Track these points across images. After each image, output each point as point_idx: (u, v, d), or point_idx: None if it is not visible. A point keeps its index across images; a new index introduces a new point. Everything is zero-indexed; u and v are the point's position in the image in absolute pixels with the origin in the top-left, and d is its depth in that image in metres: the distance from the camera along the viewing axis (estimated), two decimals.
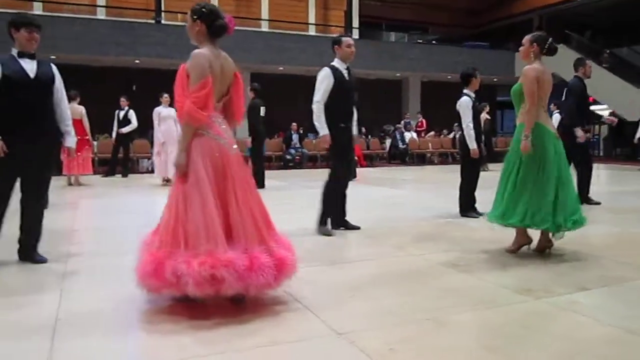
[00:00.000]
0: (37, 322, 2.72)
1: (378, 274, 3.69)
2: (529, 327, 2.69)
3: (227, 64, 3.04)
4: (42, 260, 3.90)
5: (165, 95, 9.52)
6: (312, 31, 18.45)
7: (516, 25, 21.22)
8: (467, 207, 6.04)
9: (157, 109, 9.69)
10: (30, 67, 3.78)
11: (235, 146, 3.00)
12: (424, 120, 18.54)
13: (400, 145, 16.85)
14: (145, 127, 12.23)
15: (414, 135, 17.60)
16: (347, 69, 5.01)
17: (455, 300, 3.09)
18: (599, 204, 6.87)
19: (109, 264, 3.93)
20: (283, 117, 15.23)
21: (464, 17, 24.36)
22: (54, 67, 3.97)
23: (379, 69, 18.29)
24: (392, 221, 5.81)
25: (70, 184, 9.55)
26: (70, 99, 8.50)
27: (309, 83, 4.96)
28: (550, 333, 2.60)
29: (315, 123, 4.89)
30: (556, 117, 12.17)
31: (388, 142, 17.38)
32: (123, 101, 11.34)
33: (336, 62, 4.99)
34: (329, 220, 5.04)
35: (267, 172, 9.63)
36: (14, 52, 3.79)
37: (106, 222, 6.07)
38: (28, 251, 3.93)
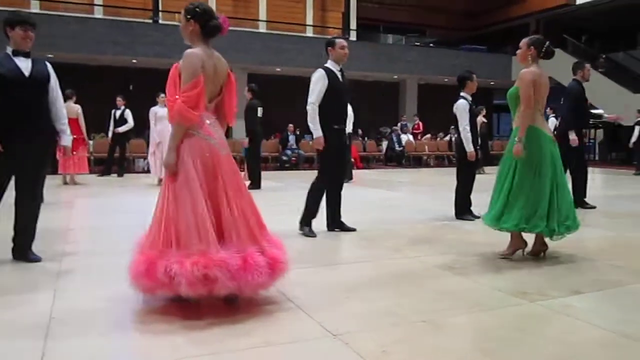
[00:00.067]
0: (31, 321, 2.71)
1: (373, 276, 3.69)
2: (523, 330, 2.70)
3: (220, 64, 3.03)
4: (36, 259, 3.88)
5: (162, 95, 9.47)
6: (309, 32, 18.47)
7: (513, 29, 21.29)
8: (463, 209, 6.05)
9: (154, 109, 9.67)
10: (25, 65, 3.77)
11: (225, 148, 2.99)
12: (420, 123, 18.59)
13: (397, 148, 16.87)
14: (142, 127, 12.21)
15: (411, 137, 17.62)
16: (341, 70, 5.01)
17: (450, 303, 3.09)
18: (594, 207, 6.89)
19: (104, 264, 3.91)
20: (280, 118, 15.23)
21: (462, 20, 24.45)
22: (49, 66, 3.96)
23: (376, 71, 18.33)
24: (388, 223, 5.81)
25: (65, 183, 9.52)
26: (67, 98, 8.47)
27: (306, 84, 4.96)
28: (545, 336, 2.61)
29: (310, 125, 4.88)
30: (552, 121, 12.27)
31: (384, 144, 17.40)
32: (119, 100, 11.31)
33: (329, 64, 4.99)
34: (312, 222, 5.02)
35: (263, 173, 9.63)
36: (9, 50, 3.78)
37: (101, 221, 6.05)
38: (22, 250, 3.90)
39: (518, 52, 4.19)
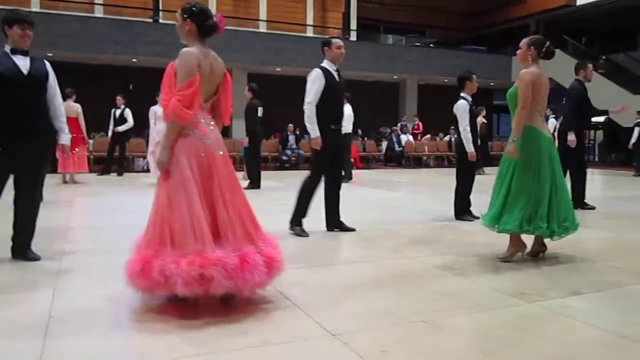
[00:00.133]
0: (30, 320, 2.70)
1: (373, 276, 3.68)
2: (523, 330, 2.69)
3: (216, 64, 3.03)
4: (35, 258, 3.88)
5: None
6: (309, 33, 18.47)
7: (514, 30, 21.30)
8: (463, 210, 6.05)
9: (153, 108, 9.65)
10: (23, 63, 3.77)
11: (221, 148, 2.98)
12: (420, 123, 18.59)
13: (397, 148, 16.87)
14: (142, 126, 12.21)
15: (410, 137, 17.63)
16: (337, 70, 5.01)
17: (450, 303, 3.09)
18: (593, 208, 6.89)
19: (104, 262, 3.91)
20: (280, 118, 15.23)
21: (462, 21, 24.46)
22: (47, 64, 3.95)
23: (376, 72, 18.33)
24: (388, 223, 5.81)
25: (65, 182, 9.51)
26: (66, 96, 8.49)
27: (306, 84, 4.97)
28: (544, 336, 2.60)
29: (307, 125, 4.88)
30: (552, 122, 12.28)
31: (384, 144, 17.41)
32: (119, 100, 11.32)
33: (326, 64, 4.99)
34: (303, 221, 5.01)
35: (263, 173, 9.62)
36: (7, 48, 3.77)
37: (101, 220, 6.05)
38: (21, 249, 3.90)
39: (518, 52, 4.18)
